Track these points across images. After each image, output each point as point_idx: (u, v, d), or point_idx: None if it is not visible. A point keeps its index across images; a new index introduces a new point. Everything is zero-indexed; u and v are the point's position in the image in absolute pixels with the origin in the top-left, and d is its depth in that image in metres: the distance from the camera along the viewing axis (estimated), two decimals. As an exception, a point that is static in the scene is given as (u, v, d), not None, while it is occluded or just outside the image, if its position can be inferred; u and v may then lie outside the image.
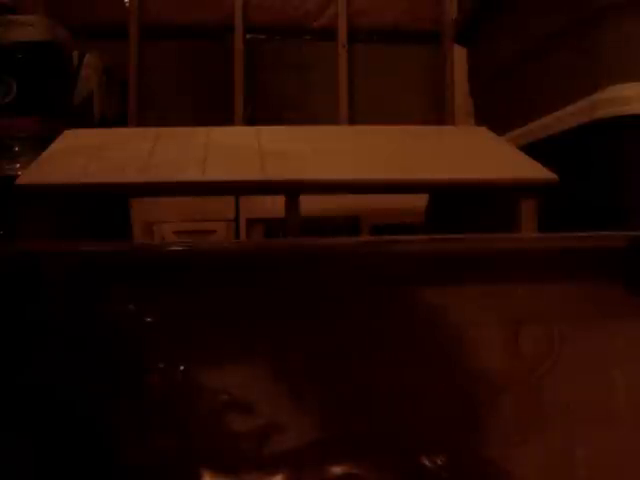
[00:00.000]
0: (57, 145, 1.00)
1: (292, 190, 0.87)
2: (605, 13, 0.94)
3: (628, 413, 0.39)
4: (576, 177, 0.93)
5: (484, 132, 1.13)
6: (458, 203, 1.18)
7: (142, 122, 2.05)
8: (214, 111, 2.10)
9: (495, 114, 1.38)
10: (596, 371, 0.39)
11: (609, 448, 0.38)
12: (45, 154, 0.96)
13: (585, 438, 0.39)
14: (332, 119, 2.08)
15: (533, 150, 1.03)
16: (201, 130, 1.08)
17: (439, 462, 0.36)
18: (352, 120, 2.11)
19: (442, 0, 2.17)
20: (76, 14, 2.01)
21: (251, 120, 2.07)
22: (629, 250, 0.41)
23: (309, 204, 0.89)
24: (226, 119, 2.05)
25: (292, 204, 0.87)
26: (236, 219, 1.62)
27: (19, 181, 0.85)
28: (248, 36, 2.14)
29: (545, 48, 1.13)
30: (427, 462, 0.37)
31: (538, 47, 1.16)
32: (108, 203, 1.19)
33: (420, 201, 1.34)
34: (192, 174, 0.87)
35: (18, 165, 1.41)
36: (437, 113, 2.16)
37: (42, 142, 1.05)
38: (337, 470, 0.36)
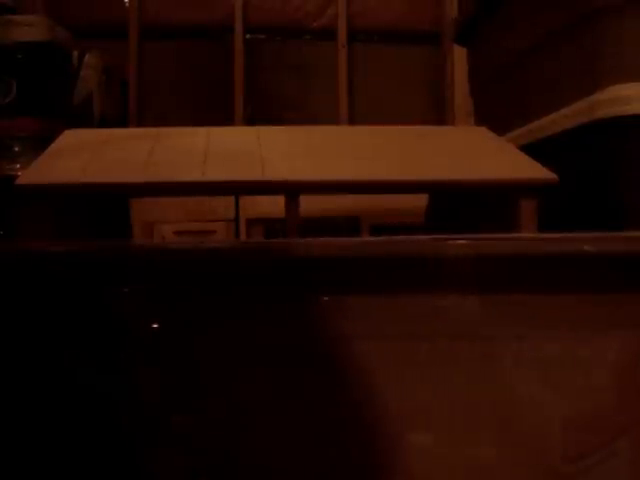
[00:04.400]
0: (57, 145, 1.00)
1: (292, 190, 0.87)
2: (605, 13, 0.94)
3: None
4: (576, 177, 0.93)
5: (484, 132, 1.13)
6: (458, 203, 1.18)
7: (142, 122, 2.05)
8: (214, 111, 2.10)
9: (495, 114, 1.38)
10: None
11: None
12: (45, 154, 0.95)
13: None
14: (332, 119, 2.08)
15: (533, 150, 1.03)
16: (201, 130, 1.07)
17: None
18: (352, 120, 2.11)
19: (442, 0, 2.17)
20: (76, 14, 2.01)
21: (251, 120, 2.07)
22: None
23: (309, 204, 0.89)
24: (226, 119, 2.05)
25: (292, 204, 0.87)
26: (236, 219, 1.62)
27: (19, 181, 0.85)
28: (248, 36, 2.14)
29: (545, 48, 1.13)
30: None
31: (538, 47, 1.16)
32: (108, 203, 1.19)
33: (420, 201, 1.34)
34: (192, 174, 0.87)
35: (18, 165, 1.41)
36: (437, 113, 2.16)
37: (42, 142, 1.05)
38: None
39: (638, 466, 0.31)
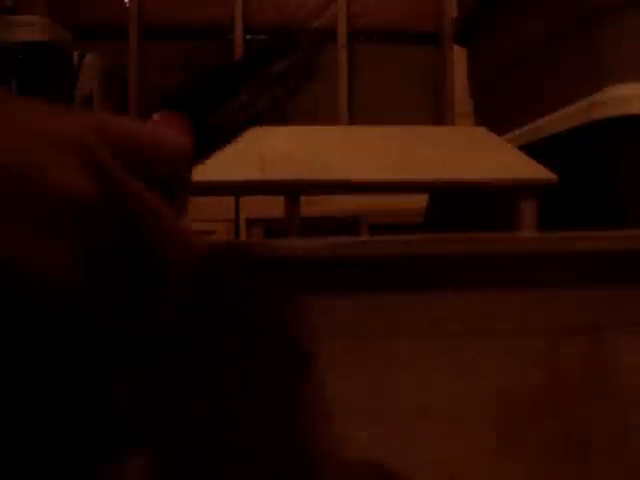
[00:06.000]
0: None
1: (292, 190, 0.87)
2: (605, 13, 0.94)
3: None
4: (576, 177, 0.93)
5: (484, 132, 1.13)
6: (458, 203, 1.18)
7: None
8: (214, 111, 2.10)
9: (495, 114, 1.38)
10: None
11: None
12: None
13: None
14: (332, 119, 2.08)
15: (533, 150, 1.03)
16: (201, 130, 1.07)
17: None
18: (352, 120, 2.11)
19: (442, 0, 2.17)
20: (76, 14, 2.01)
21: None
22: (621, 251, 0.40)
23: (309, 204, 0.89)
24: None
25: (292, 204, 0.87)
26: (236, 219, 1.62)
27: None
28: (248, 36, 2.14)
29: (545, 48, 1.13)
30: None
31: (538, 47, 1.16)
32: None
33: (420, 201, 1.34)
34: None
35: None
36: (437, 113, 2.16)
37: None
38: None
39: (561, 437, 0.37)
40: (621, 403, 0.36)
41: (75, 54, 1.68)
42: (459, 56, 1.97)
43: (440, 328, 0.36)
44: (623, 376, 0.35)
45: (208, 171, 0.82)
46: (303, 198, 0.88)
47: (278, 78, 0.36)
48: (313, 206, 1.20)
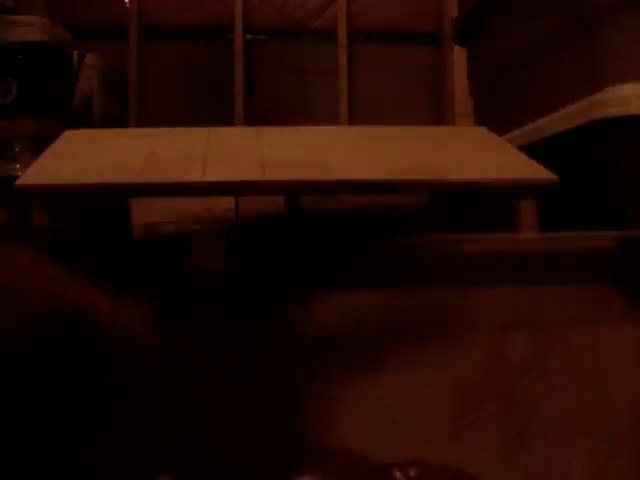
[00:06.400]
0: (57, 145, 1.00)
1: (292, 190, 0.87)
2: (605, 13, 0.94)
3: (618, 423, 0.42)
4: (576, 177, 0.93)
5: (484, 132, 1.14)
6: (458, 203, 1.18)
7: (142, 122, 2.05)
8: (214, 111, 2.10)
9: (495, 114, 1.38)
10: (583, 379, 0.43)
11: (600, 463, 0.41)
12: (45, 154, 0.96)
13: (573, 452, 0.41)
14: (332, 119, 2.07)
15: (533, 150, 1.03)
16: (201, 130, 1.08)
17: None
18: (352, 120, 2.11)
19: (442, 0, 2.16)
20: (76, 14, 2.01)
21: (251, 120, 2.07)
22: (618, 251, 0.41)
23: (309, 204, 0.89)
24: (226, 119, 2.05)
25: (293, 204, 0.87)
26: (236, 219, 1.62)
27: (19, 181, 0.85)
28: (248, 36, 2.14)
29: (545, 48, 1.13)
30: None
31: (538, 47, 1.16)
32: (108, 204, 1.19)
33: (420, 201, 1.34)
34: (192, 175, 0.87)
35: (18, 165, 1.41)
36: (437, 113, 2.16)
37: (42, 142, 1.05)
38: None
39: (501, 421, 0.43)
40: (556, 390, 0.40)
41: (75, 54, 1.67)
42: (459, 56, 1.97)
43: (407, 325, 0.40)
44: (559, 366, 0.39)
45: (208, 172, 0.82)
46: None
47: None
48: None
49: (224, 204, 1.60)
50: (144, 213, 1.52)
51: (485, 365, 0.43)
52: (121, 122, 1.96)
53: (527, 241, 0.44)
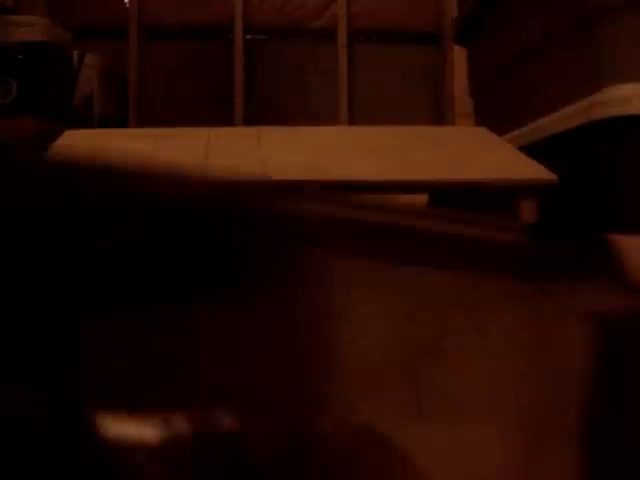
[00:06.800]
0: (57, 145, 1.00)
1: (292, 190, 0.87)
2: (604, 13, 0.94)
3: (505, 408, 0.43)
4: (576, 177, 0.93)
5: (484, 132, 1.14)
6: (458, 203, 1.18)
7: (142, 122, 2.05)
8: (214, 111, 2.10)
9: (495, 114, 1.38)
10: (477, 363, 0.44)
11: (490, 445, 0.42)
12: (45, 154, 0.95)
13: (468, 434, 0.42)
14: (332, 119, 2.08)
15: (533, 150, 1.03)
16: (201, 130, 1.08)
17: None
18: (352, 120, 2.11)
19: (442, 0, 2.17)
20: (76, 14, 2.01)
21: (251, 120, 2.07)
22: (520, 242, 0.43)
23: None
24: (226, 119, 2.05)
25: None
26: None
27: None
28: (248, 36, 2.14)
29: (545, 49, 1.13)
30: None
31: (538, 48, 1.16)
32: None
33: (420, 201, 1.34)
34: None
35: (18, 165, 1.41)
36: (437, 113, 2.16)
37: (42, 142, 1.05)
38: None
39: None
40: (456, 366, 0.41)
41: (75, 54, 1.68)
42: (459, 56, 1.97)
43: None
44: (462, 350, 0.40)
45: (208, 172, 0.82)
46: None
47: None
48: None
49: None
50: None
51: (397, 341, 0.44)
52: (121, 122, 1.97)
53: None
